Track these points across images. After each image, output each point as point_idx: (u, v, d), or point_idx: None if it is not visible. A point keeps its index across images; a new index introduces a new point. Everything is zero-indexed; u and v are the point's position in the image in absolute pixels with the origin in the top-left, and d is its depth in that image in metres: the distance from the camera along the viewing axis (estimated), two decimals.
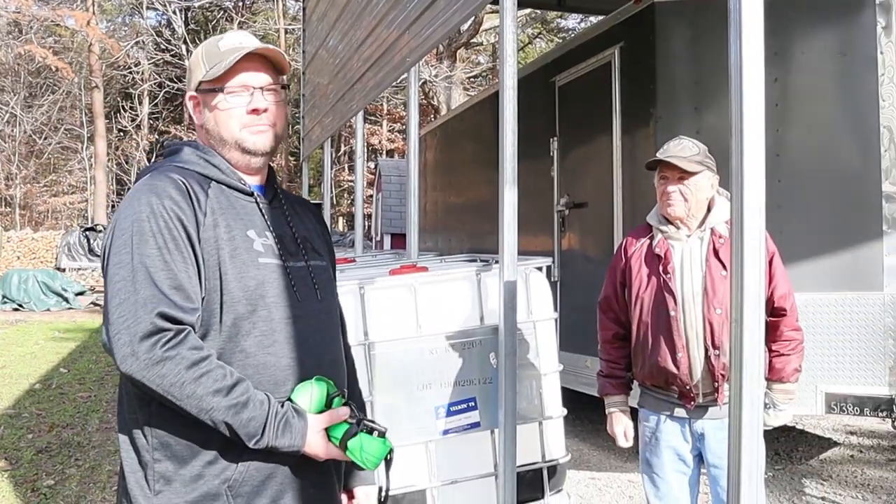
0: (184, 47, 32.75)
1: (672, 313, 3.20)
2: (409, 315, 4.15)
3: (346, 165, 35.71)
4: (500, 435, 3.92)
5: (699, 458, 3.32)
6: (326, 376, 1.93)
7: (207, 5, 35.31)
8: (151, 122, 37.21)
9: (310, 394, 1.86)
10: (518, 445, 3.98)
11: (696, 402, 3.22)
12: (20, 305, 18.19)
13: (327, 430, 1.86)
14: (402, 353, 4.12)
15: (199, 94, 2.00)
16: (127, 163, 35.99)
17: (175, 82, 32.80)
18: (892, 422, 4.98)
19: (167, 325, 1.73)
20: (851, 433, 6.90)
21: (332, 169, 31.87)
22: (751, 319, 2.15)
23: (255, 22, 34.33)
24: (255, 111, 1.96)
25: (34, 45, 31.03)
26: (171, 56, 32.88)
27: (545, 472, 4.38)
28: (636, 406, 3.52)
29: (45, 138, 33.05)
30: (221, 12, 35.62)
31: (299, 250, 2.02)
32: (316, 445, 1.83)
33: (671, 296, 3.21)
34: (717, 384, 3.18)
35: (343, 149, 35.12)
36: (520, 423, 4.15)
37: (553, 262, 6.94)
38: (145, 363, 1.69)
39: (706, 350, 3.17)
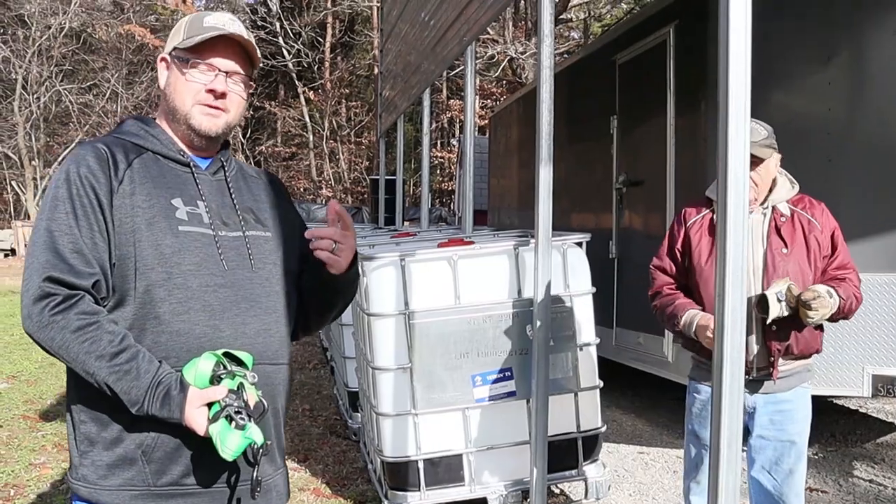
0: (278, 24, 33.37)
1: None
2: (449, 287, 4.31)
3: (437, 142, 35.85)
4: (533, 405, 4.06)
5: (745, 432, 3.28)
6: (250, 345, 1.92)
7: None
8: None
9: (195, 368, 1.81)
10: (553, 415, 4.11)
11: (750, 377, 3.19)
12: None
13: (210, 407, 1.80)
14: (441, 323, 4.29)
15: (170, 59, 2.03)
16: None
17: (269, 59, 33.39)
18: None
19: (57, 288, 1.78)
20: None
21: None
22: (733, 295, 2.22)
23: None
24: (212, 91, 1.99)
25: (133, 24, 32.15)
26: (266, 34, 33.50)
27: (580, 442, 4.51)
28: (688, 377, 3.54)
29: (145, 114, 34.15)
30: None
31: (237, 220, 2.02)
32: (193, 421, 1.78)
33: None
34: (772, 359, 3.19)
35: (434, 126, 35.29)
36: (555, 393, 4.28)
37: (612, 238, 7.02)
38: (37, 325, 1.78)
39: (762, 324, 3.17)
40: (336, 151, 35.87)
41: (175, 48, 2.02)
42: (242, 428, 1.75)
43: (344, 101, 36.76)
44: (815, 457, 5.76)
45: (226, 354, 1.85)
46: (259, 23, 34.26)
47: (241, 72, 2.04)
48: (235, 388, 1.80)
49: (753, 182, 3.20)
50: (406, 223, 12.13)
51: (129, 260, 1.85)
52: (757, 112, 4.01)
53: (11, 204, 33.85)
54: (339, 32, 36.54)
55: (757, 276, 3.21)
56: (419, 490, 4.29)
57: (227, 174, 2.08)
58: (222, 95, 2.00)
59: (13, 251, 27.16)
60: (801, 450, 3.31)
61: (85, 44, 33.92)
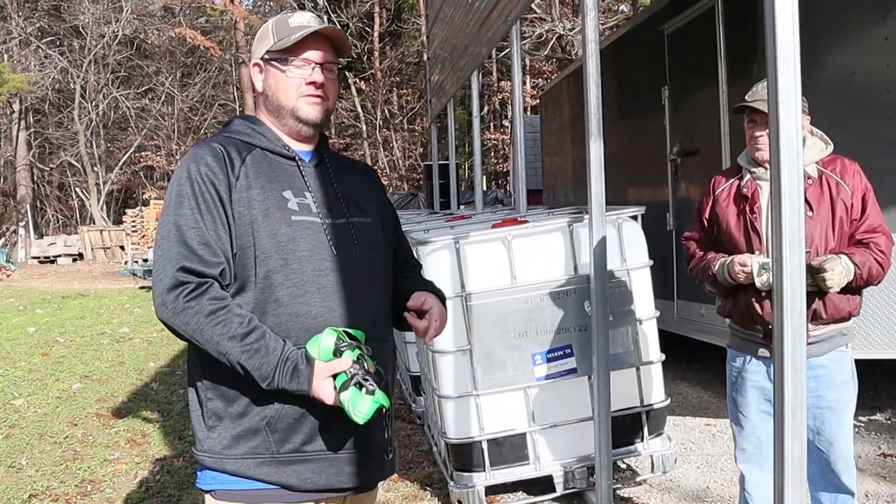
0: (325, 17, 33.50)
1: (757, 253, 3.18)
2: (504, 267, 4.31)
3: (490, 124, 35.72)
4: (594, 381, 4.04)
5: None
6: (362, 323, 2.06)
7: None
8: None
9: (318, 343, 1.96)
10: (615, 391, 4.08)
11: None
12: None
13: (336, 378, 1.95)
14: (499, 303, 4.29)
15: (265, 63, 2.18)
16: None
17: None
18: None
19: (189, 277, 1.94)
20: None
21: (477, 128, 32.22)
22: (791, 260, 2.18)
23: None
24: (313, 83, 2.13)
25: (184, 27, 32.59)
26: None
27: (644, 416, 4.48)
28: (725, 345, 3.53)
29: (201, 115, 34.69)
30: None
31: (341, 209, 2.16)
32: (321, 391, 1.94)
33: (756, 235, 3.19)
34: None
35: (486, 108, 35.14)
36: (617, 368, 4.26)
37: (669, 210, 6.93)
38: (171, 312, 1.93)
39: None
40: (389, 140, 36.00)
41: (268, 51, 2.18)
42: (372, 393, 1.91)
43: (395, 89, 36.86)
44: (888, 422, 5.64)
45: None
46: None
47: (332, 60, 2.19)
48: (356, 359, 1.95)
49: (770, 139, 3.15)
50: (461, 206, 12.14)
51: (248, 249, 2.02)
52: (811, 73, 3.97)
53: (77, 210, 34.69)
54: (387, 21, 36.58)
55: None
56: (484, 470, 4.31)
57: (328, 166, 2.24)
58: (321, 85, 2.15)
59: (80, 256, 27.82)
60: (841, 417, 3.24)
61: (138, 50, 34.55)
